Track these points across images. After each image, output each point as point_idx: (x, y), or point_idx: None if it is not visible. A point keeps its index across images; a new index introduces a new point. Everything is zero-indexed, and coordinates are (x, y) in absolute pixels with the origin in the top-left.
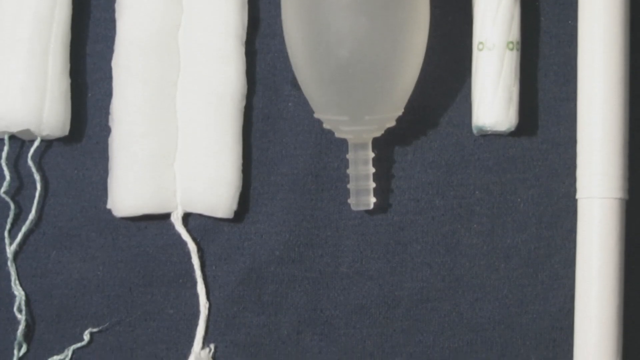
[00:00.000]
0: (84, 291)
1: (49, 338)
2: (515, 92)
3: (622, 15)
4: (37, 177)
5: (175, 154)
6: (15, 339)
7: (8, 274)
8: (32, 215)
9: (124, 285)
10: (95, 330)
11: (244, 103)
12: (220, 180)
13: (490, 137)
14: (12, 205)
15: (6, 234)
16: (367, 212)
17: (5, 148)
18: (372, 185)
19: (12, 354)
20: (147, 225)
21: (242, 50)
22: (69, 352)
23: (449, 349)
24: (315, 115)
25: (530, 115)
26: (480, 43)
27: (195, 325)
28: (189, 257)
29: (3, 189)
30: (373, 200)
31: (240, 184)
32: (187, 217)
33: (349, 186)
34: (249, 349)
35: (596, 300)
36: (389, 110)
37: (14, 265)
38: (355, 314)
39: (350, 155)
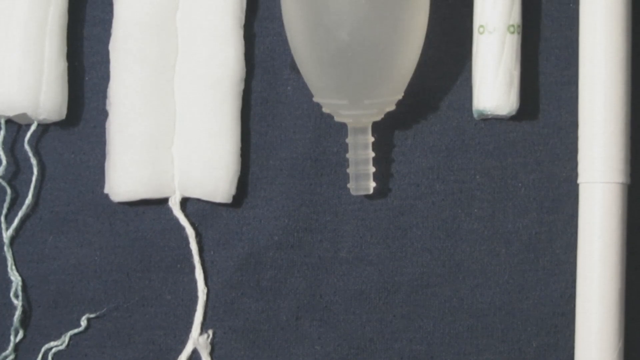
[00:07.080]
0: (81, 277)
1: (46, 324)
2: (516, 76)
3: None
4: (33, 161)
5: (173, 138)
6: (11, 324)
7: (4, 259)
8: (28, 200)
9: (121, 271)
10: (92, 316)
11: (242, 86)
12: (218, 165)
13: (491, 121)
14: (8, 190)
15: (2, 218)
16: (367, 196)
17: (2, 132)
18: (372, 169)
19: (9, 340)
20: (144, 210)
21: (241, 33)
22: (66, 337)
23: (449, 335)
24: (315, 99)
25: (532, 99)
26: (481, 26)
27: (194, 310)
28: (187, 242)
29: None
30: (373, 184)
31: (239, 169)
32: (185, 202)
33: (348, 171)
34: (247, 335)
35: (598, 285)
36: (389, 94)
37: (10, 250)
38: (355, 299)
39: (349, 140)
